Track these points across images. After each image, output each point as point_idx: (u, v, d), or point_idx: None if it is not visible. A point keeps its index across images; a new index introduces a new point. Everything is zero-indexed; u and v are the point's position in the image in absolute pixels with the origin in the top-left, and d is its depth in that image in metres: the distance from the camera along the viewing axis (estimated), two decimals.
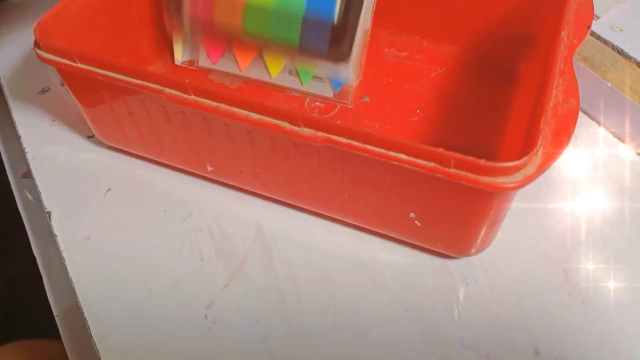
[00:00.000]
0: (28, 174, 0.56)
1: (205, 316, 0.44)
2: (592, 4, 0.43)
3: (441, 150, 0.33)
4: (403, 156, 0.34)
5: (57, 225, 0.49)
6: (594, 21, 0.54)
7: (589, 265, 0.45)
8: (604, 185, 0.49)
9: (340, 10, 0.48)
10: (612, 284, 0.44)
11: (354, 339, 0.42)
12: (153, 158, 0.52)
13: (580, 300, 0.43)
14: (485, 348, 0.41)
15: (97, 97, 0.46)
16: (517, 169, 0.33)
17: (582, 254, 0.45)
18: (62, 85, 0.60)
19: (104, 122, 0.49)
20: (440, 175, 0.34)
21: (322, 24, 0.48)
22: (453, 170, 0.33)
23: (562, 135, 0.35)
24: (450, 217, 0.39)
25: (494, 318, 0.42)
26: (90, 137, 0.55)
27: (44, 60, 0.43)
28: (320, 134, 0.36)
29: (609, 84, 0.50)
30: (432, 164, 0.34)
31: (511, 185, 0.33)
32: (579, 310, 0.42)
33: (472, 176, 0.33)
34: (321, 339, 0.42)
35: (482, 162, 0.32)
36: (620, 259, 0.45)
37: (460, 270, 0.45)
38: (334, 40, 0.49)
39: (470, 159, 0.33)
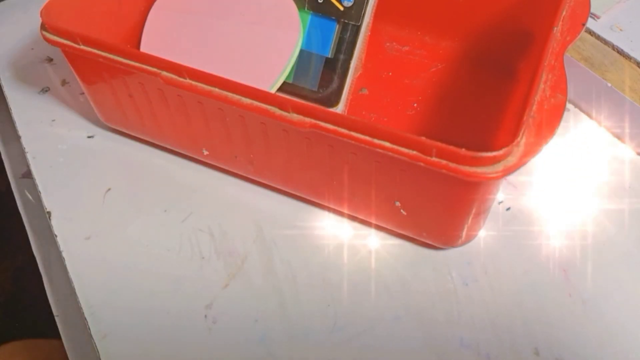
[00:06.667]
0: (28, 174, 0.57)
1: (205, 316, 0.44)
2: (589, 3, 0.43)
3: (423, 138, 0.33)
4: (387, 144, 0.34)
5: (57, 225, 0.49)
6: (594, 21, 0.54)
7: (589, 266, 0.44)
8: (604, 185, 0.49)
9: (334, 48, 0.50)
10: (612, 284, 0.43)
11: (354, 339, 0.42)
12: (152, 141, 0.52)
13: (580, 300, 0.43)
14: (485, 348, 0.41)
15: (99, 79, 0.47)
16: (497, 160, 0.33)
17: (582, 254, 0.45)
18: (62, 85, 0.60)
19: (105, 103, 0.50)
20: (422, 164, 0.34)
21: (317, 58, 0.51)
22: (434, 159, 0.34)
23: (547, 128, 0.35)
24: (434, 207, 0.40)
25: (494, 318, 0.42)
26: (90, 137, 0.55)
27: (49, 41, 0.44)
28: (307, 119, 0.37)
29: (609, 84, 0.50)
30: (414, 152, 0.34)
31: (492, 175, 0.33)
32: (579, 310, 0.42)
33: (452, 165, 0.33)
34: (321, 339, 0.42)
35: (463, 151, 0.33)
36: (620, 258, 0.45)
37: (460, 271, 0.45)
38: (325, 79, 0.50)
39: (451, 148, 0.33)
